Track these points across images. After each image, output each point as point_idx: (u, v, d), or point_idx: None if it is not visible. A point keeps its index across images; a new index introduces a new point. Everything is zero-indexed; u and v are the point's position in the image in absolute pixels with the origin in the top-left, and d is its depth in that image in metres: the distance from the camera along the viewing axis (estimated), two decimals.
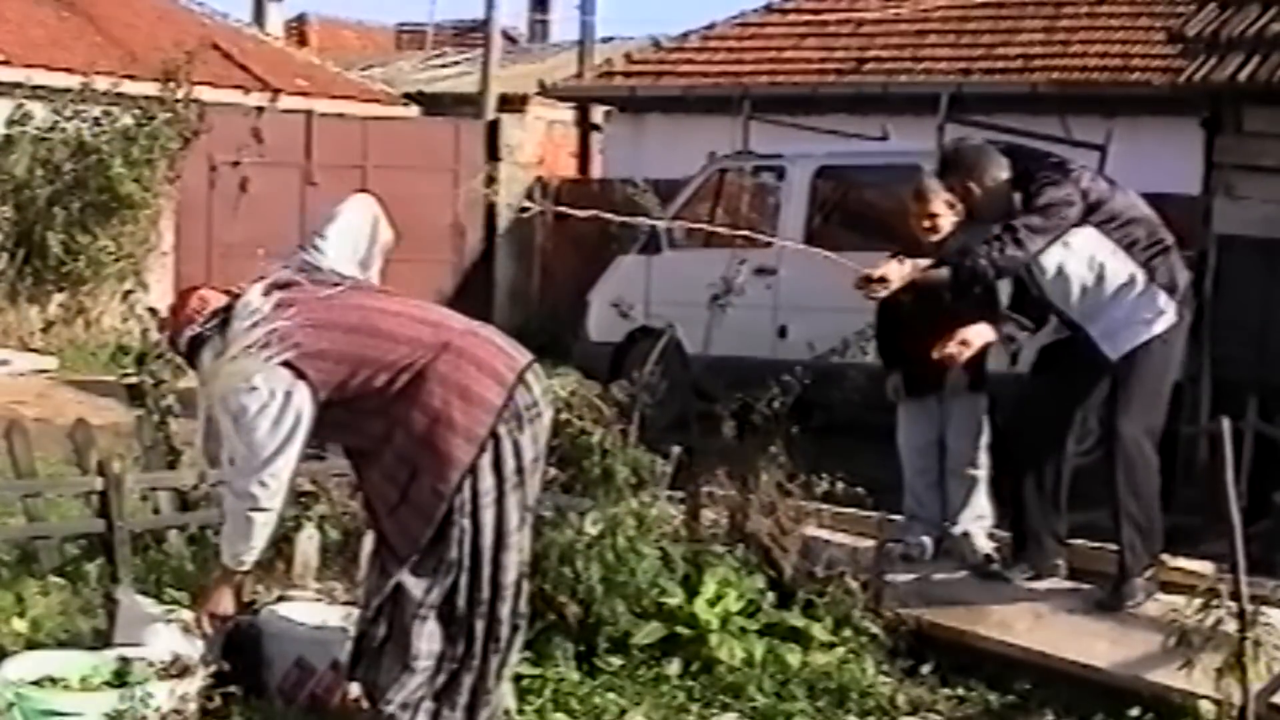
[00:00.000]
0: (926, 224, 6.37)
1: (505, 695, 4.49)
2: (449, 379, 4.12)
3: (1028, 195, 5.85)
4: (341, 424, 4.19)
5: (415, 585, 4.14)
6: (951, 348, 5.93)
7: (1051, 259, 5.84)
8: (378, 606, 4.23)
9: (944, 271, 5.80)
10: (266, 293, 4.19)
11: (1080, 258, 5.85)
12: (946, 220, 6.36)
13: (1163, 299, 5.86)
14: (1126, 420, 5.84)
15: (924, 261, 5.84)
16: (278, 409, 4.04)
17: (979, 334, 6.02)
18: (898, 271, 5.80)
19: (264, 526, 4.15)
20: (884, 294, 5.85)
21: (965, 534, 6.55)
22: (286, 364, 4.07)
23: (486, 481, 4.13)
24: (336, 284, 4.28)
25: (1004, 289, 6.39)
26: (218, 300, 4.27)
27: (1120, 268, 5.86)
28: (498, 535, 4.16)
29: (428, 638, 4.16)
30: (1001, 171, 6.00)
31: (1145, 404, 5.90)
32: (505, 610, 4.23)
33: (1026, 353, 6.47)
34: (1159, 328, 5.85)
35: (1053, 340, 6.26)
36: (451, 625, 4.16)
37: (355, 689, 4.55)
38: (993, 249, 5.72)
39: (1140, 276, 5.86)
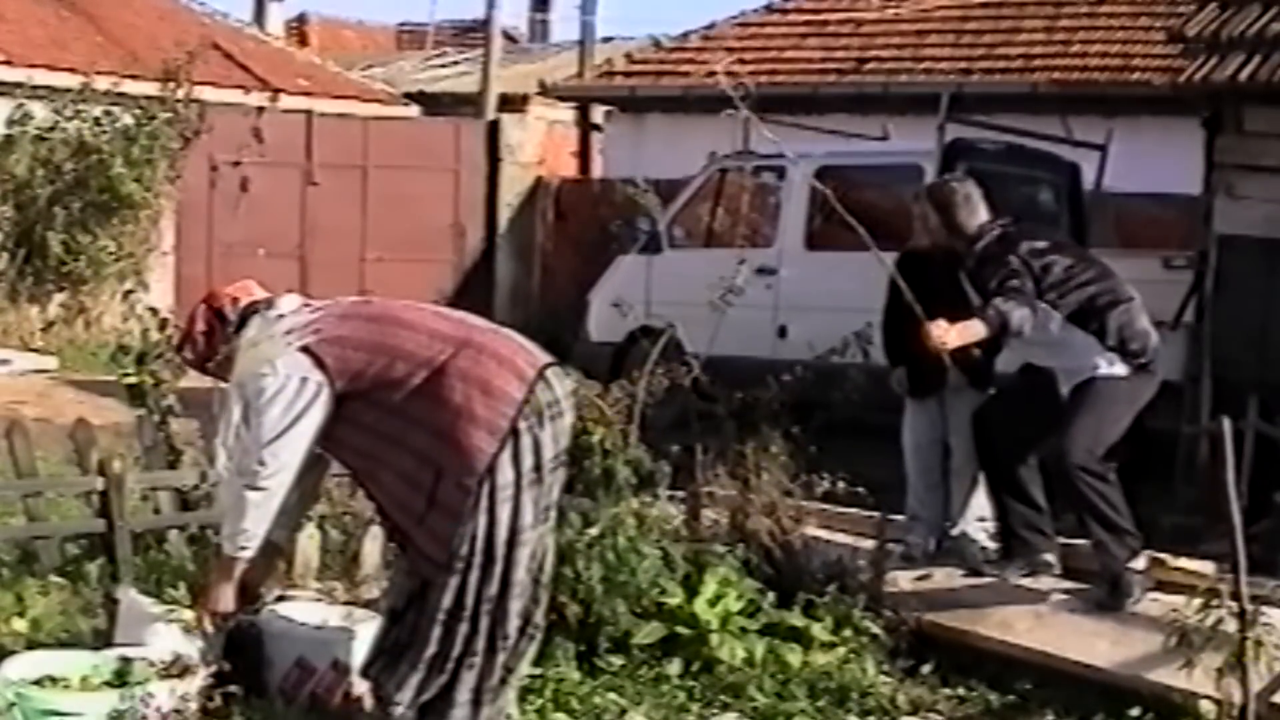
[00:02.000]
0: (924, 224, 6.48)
1: (509, 702, 4.47)
2: (470, 374, 4.11)
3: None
4: (357, 421, 4.17)
5: (438, 589, 4.14)
6: (937, 332, 5.74)
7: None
8: (403, 609, 4.24)
9: (979, 327, 5.81)
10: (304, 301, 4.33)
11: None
12: None
13: (1106, 358, 5.95)
14: (1072, 447, 5.88)
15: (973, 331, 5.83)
16: (292, 393, 4.07)
17: (967, 329, 5.87)
18: (952, 333, 5.80)
19: (258, 508, 4.15)
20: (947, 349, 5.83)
21: (965, 534, 6.55)
22: (305, 350, 4.10)
23: (505, 476, 4.12)
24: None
25: None
26: (240, 296, 4.35)
27: (1066, 336, 5.97)
28: (512, 531, 4.15)
29: (441, 641, 4.16)
30: (972, 219, 6.14)
31: (1090, 429, 5.92)
32: (515, 607, 4.21)
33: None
34: (1105, 373, 5.95)
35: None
36: (460, 622, 4.16)
37: (357, 687, 4.56)
38: (1012, 299, 5.80)
39: (1084, 341, 5.96)
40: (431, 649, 4.15)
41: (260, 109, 16.91)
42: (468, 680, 4.19)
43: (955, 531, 6.58)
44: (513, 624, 4.22)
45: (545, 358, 4.29)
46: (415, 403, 4.11)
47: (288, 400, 4.07)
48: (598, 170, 19.20)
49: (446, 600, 4.13)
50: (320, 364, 4.10)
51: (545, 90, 19.16)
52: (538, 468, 4.17)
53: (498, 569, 4.15)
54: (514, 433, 4.12)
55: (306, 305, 4.34)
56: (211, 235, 16.33)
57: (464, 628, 4.15)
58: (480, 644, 4.18)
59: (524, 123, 18.78)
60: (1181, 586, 5.59)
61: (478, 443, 4.08)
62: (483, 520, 4.10)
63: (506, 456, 4.11)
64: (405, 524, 4.21)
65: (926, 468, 6.70)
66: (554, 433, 4.22)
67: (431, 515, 4.13)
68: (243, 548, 4.25)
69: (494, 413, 4.09)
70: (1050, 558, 6.25)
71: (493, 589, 4.15)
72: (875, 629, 5.71)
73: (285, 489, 4.17)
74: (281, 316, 4.26)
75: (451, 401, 4.09)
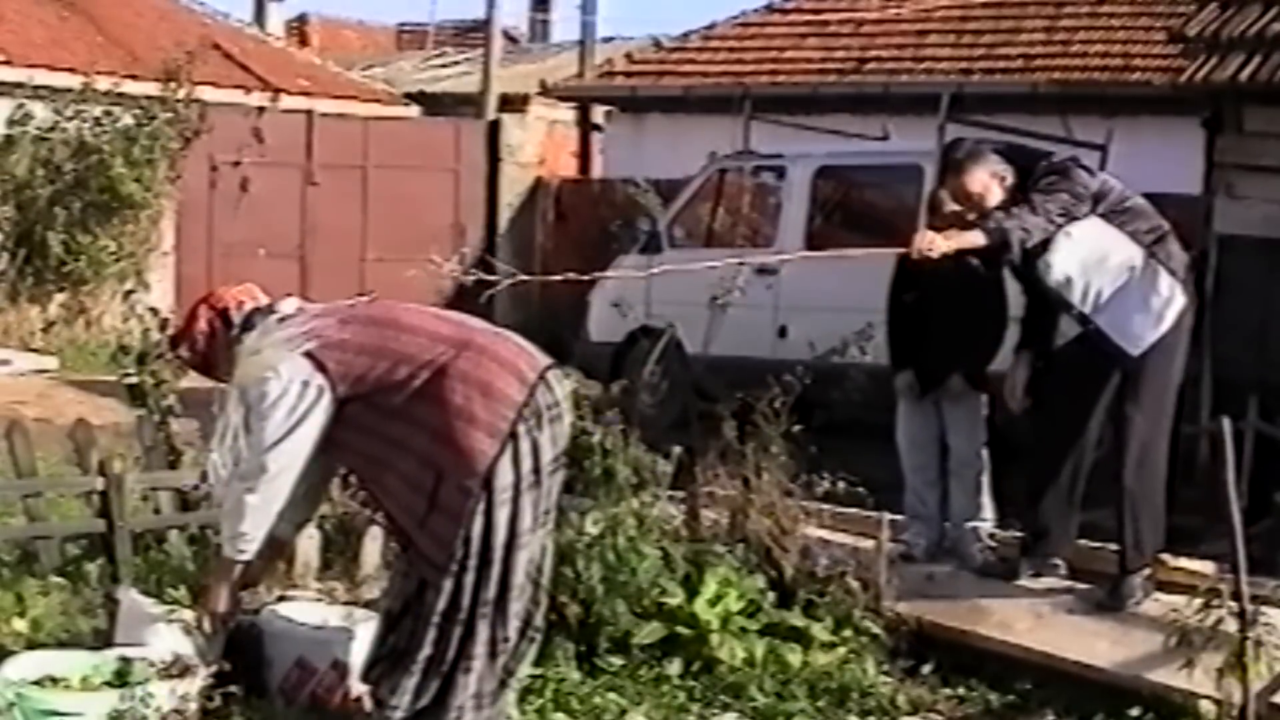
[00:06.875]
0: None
1: (509, 704, 4.47)
2: (470, 376, 4.12)
3: (1029, 192, 5.85)
4: (360, 424, 4.18)
5: (434, 592, 4.14)
6: (923, 241, 5.71)
7: (1058, 255, 5.83)
8: (400, 613, 4.23)
9: (978, 236, 5.75)
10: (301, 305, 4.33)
11: (1086, 246, 5.85)
12: None
13: (1167, 282, 5.88)
14: (1140, 415, 5.87)
15: (968, 240, 5.77)
16: (294, 396, 4.09)
17: (963, 238, 5.78)
18: (943, 240, 5.75)
19: (258, 511, 4.17)
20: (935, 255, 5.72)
21: (966, 533, 6.55)
22: (308, 355, 4.11)
23: (504, 479, 4.12)
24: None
25: (1016, 298, 6.42)
26: (245, 299, 4.37)
27: (1125, 251, 5.88)
28: (511, 534, 4.15)
29: (435, 643, 4.16)
30: (1003, 170, 5.98)
31: (1158, 399, 5.94)
32: (515, 609, 4.21)
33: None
34: (1170, 317, 5.88)
35: (1062, 344, 6.27)
36: (454, 625, 4.15)
37: (356, 688, 4.56)
38: (1014, 216, 5.72)
39: (1144, 258, 5.87)
40: (426, 651, 4.15)
41: (260, 109, 16.91)
42: (466, 684, 4.18)
43: (956, 531, 6.58)
44: (512, 626, 4.22)
45: (545, 360, 4.30)
46: (416, 405, 4.11)
47: (290, 404, 4.09)
48: (598, 170, 19.20)
49: (441, 603, 4.13)
50: (322, 368, 4.11)
51: (545, 90, 19.16)
52: (536, 470, 4.17)
53: (495, 571, 4.14)
54: (513, 435, 4.12)
55: (304, 310, 4.34)
56: (211, 235, 16.34)
57: (459, 630, 4.15)
58: (478, 648, 4.18)
59: (524, 123, 18.78)
60: (1181, 586, 5.59)
61: (478, 444, 4.08)
62: (479, 522, 4.10)
63: (506, 459, 4.11)
64: (408, 526, 4.21)
65: (922, 465, 6.70)
66: (553, 435, 4.22)
67: (433, 517, 4.13)
68: (242, 551, 4.26)
69: (494, 415, 4.10)
70: (1059, 561, 6.23)
71: (490, 592, 4.15)
72: (875, 629, 5.70)
73: (286, 492, 4.18)
74: (282, 320, 4.26)
75: (452, 403, 4.09)
